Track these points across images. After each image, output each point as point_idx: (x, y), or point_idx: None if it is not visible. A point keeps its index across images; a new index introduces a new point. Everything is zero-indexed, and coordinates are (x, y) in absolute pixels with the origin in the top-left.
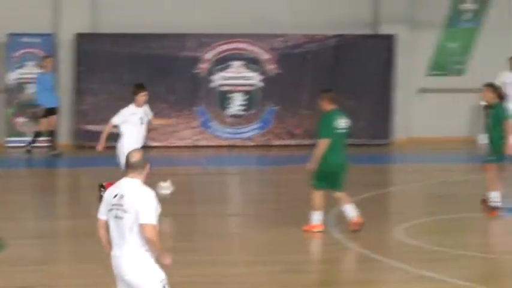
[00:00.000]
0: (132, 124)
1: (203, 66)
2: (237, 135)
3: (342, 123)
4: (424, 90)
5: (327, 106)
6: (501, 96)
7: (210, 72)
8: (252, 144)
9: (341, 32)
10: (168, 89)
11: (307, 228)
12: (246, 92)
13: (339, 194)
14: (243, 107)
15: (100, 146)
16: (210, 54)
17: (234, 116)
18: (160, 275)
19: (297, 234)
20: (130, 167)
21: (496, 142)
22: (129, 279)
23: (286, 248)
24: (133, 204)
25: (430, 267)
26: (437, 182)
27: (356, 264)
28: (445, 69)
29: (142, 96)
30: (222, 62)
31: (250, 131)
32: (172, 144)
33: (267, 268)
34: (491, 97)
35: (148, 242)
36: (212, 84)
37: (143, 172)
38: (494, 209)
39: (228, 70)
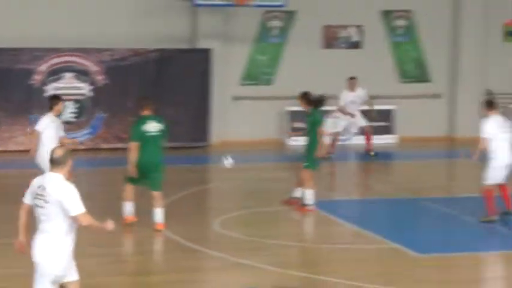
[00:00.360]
0: (50, 131)
1: (37, 78)
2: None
3: (153, 127)
4: (237, 98)
5: (142, 112)
6: (314, 103)
7: (44, 83)
8: (83, 148)
9: (162, 46)
10: (5, 99)
11: (125, 221)
12: (77, 101)
13: (155, 194)
14: (74, 115)
15: (32, 152)
16: (43, 67)
17: (66, 122)
18: (58, 270)
19: (122, 228)
20: (53, 163)
21: (311, 147)
22: (36, 262)
23: (110, 240)
24: (54, 197)
25: (246, 256)
26: (250, 179)
27: (177, 254)
28: (256, 79)
29: (60, 105)
30: (55, 73)
31: (81, 136)
32: (9, 149)
33: (91, 259)
34: (303, 105)
35: (88, 227)
36: (46, 94)
37: (65, 167)
38: (306, 205)
39: (60, 81)
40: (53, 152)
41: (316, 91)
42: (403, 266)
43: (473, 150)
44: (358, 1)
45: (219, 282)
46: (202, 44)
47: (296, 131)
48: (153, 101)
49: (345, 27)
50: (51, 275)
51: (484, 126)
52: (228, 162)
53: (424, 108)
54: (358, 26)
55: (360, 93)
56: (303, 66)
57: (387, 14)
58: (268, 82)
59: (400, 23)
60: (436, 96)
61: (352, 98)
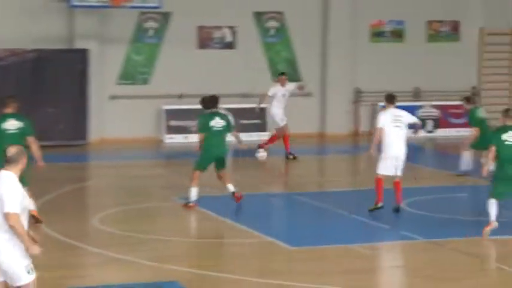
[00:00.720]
0: None
1: None
2: None
3: (11, 125)
4: (114, 97)
5: (4, 110)
6: (206, 104)
7: None
8: None
9: (39, 46)
10: None
11: None
12: None
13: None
14: None
15: None
16: None
17: None
18: (24, 261)
19: None
20: (6, 161)
21: (201, 149)
22: None
23: None
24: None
25: (125, 251)
26: (127, 176)
27: (56, 250)
28: (132, 78)
29: None
30: None
31: None
32: None
33: None
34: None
35: (12, 230)
36: None
37: (18, 165)
38: (191, 203)
39: None
40: (7, 150)
41: (191, 90)
42: (278, 259)
43: (370, 143)
44: (231, 3)
45: (97, 277)
46: (79, 45)
47: None
48: (16, 99)
49: (218, 28)
50: (19, 272)
51: (379, 117)
52: (262, 155)
53: (296, 107)
54: (231, 27)
55: (289, 87)
56: (178, 66)
57: (259, 16)
58: (144, 81)
59: (272, 24)
60: (307, 95)
61: (284, 92)
